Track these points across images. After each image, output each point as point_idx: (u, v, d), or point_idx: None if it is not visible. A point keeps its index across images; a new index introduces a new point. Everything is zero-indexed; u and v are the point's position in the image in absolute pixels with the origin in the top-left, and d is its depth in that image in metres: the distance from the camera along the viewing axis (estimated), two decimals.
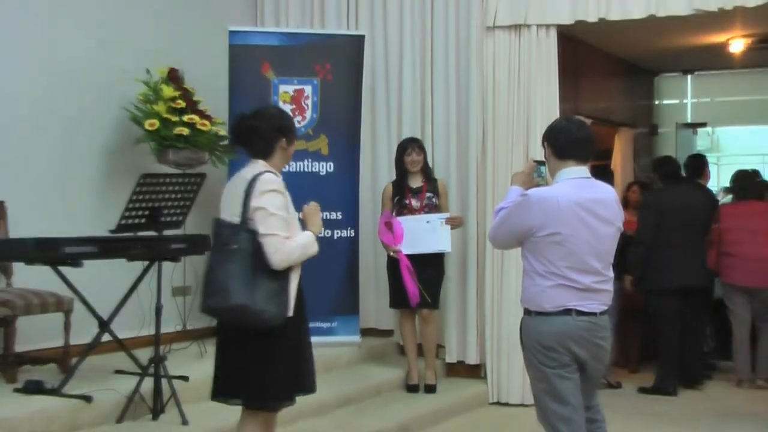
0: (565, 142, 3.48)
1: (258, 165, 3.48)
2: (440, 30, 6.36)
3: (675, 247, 6.39)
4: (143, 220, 4.56)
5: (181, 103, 5.69)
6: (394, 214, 5.76)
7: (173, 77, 5.82)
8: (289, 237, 3.38)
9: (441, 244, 5.70)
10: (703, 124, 10.91)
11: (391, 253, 5.71)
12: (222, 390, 3.51)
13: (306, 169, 6.16)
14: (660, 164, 7.00)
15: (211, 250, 3.34)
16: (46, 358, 5.02)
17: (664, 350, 6.53)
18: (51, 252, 4.38)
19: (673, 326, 6.46)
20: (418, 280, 5.62)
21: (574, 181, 3.45)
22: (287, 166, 3.76)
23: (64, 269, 4.57)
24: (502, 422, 5.62)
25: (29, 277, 4.92)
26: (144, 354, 4.81)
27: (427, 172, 5.85)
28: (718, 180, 10.37)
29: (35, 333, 5.06)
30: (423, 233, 5.68)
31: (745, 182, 6.91)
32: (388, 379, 5.88)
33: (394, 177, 5.95)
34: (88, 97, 5.72)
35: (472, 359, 6.15)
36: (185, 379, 4.83)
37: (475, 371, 6.18)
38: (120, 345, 4.88)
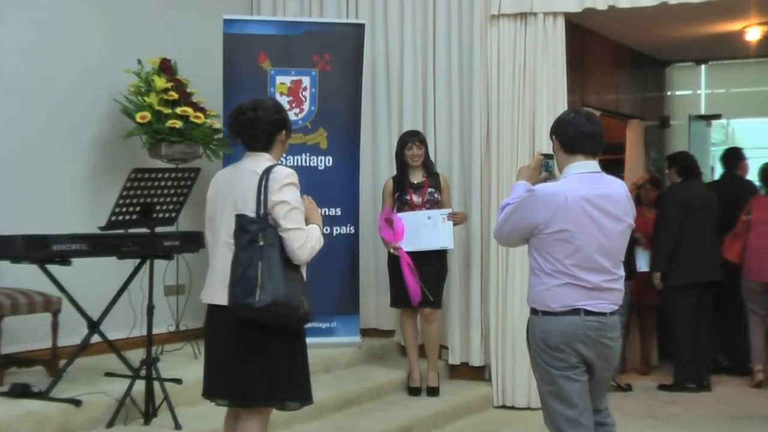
0: (573, 135, 3.48)
1: (263, 158, 3.51)
2: (443, 19, 6.35)
3: (697, 241, 6.55)
4: (135, 217, 4.55)
5: (174, 95, 5.68)
6: (394, 210, 5.76)
7: (165, 68, 5.81)
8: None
9: (443, 241, 5.70)
10: (718, 116, 10.87)
11: (392, 251, 5.71)
12: (229, 390, 3.50)
13: (304, 164, 6.16)
14: (678, 159, 7.10)
15: (239, 247, 3.35)
16: (33, 360, 5.01)
17: (682, 345, 6.62)
18: (39, 250, 4.38)
19: (691, 322, 6.59)
20: (420, 278, 5.62)
21: (583, 175, 3.45)
22: (281, 160, 3.78)
23: (52, 268, 4.57)
24: (508, 426, 5.61)
25: (16, 275, 4.91)
26: (135, 356, 4.81)
27: (428, 166, 5.84)
28: None
29: (22, 334, 5.06)
30: (424, 230, 5.67)
31: None
32: (389, 381, 5.87)
33: (394, 172, 5.95)
34: (78, 88, 5.71)
35: (476, 360, 6.15)
36: (178, 381, 4.83)
37: (480, 373, 6.18)
38: (110, 346, 4.88)
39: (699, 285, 6.59)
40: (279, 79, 6.18)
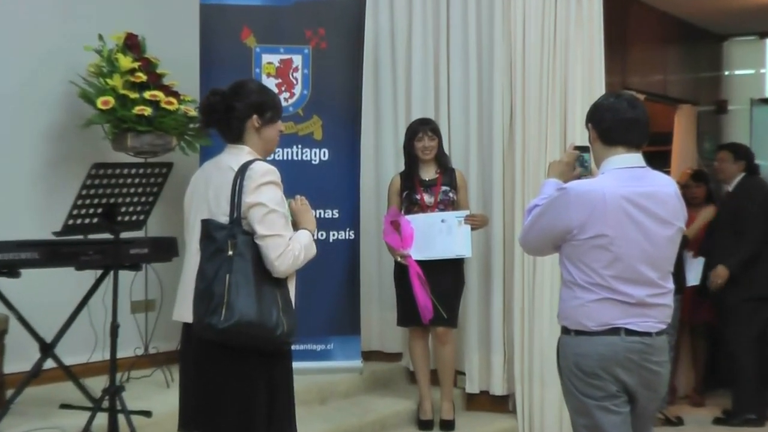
0: (613, 124, 3.48)
1: (243, 152, 3.51)
2: None
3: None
4: (96, 220, 4.56)
5: (142, 77, 5.69)
6: (402, 211, 5.76)
7: (132, 45, 5.82)
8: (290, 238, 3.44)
9: (459, 248, 5.70)
10: None
11: (399, 259, 5.71)
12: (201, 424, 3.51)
13: (295, 157, 6.17)
14: (744, 151, 7.18)
15: (204, 257, 3.36)
16: None
17: (744, 370, 6.65)
18: None
19: (756, 343, 6.66)
20: (432, 291, 5.60)
21: (624, 171, 3.45)
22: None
23: None
24: None
25: None
26: (96, 384, 4.81)
27: (442, 161, 5.84)
28: None
29: None
30: (437, 235, 5.66)
31: None
32: (396, 413, 5.88)
33: (402, 167, 5.95)
34: (29, 69, 5.73)
35: (498, 389, 6.16)
36: (147, 414, 4.83)
37: (502, 403, 6.18)
38: (67, 373, 4.87)
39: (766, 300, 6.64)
40: (266, 58, 6.19)
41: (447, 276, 5.74)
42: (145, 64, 5.78)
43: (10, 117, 5.66)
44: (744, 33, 10.23)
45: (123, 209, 4.64)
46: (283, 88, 6.14)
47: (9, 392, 4.77)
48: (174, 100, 5.77)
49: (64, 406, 4.94)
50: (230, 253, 3.30)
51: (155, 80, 5.78)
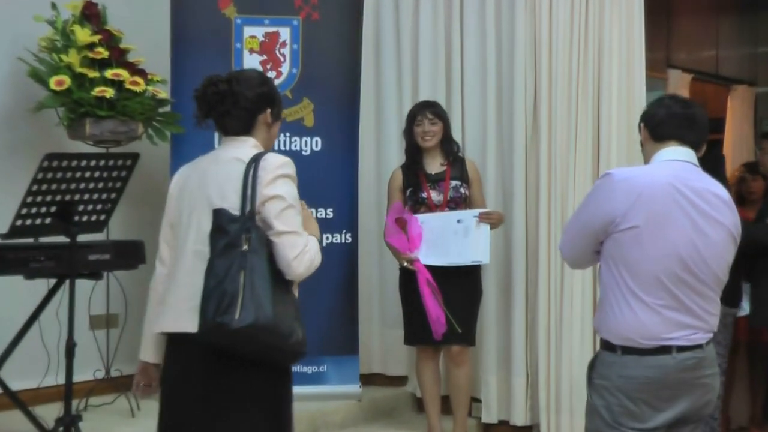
0: (666, 118, 3.61)
1: (247, 144, 3.58)
2: None
3: None
4: (48, 220, 4.57)
5: (103, 52, 5.69)
6: (407, 208, 5.74)
7: (91, 14, 5.83)
8: None
9: (477, 254, 5.68)
10: None
11: (405, 264, 5.71)
12: None
13: (282, 147, 6.16)
14: None
15: (214, 252, 3.39)
16: None
17: None
18: None
19: None
20: (445, 304, 5.56)
21: (674, 163, 3.54)
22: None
23: None
24: None
25: None
26: (49, 412, 4.82)
27: (447, 149, 5.83)
28: None
29: None
30: (452, 237, 5.63)
31: None
32: None
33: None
34: None
35: (519, 418, 6.16)
36: None
37: None
38: (13, 400, 4.88)
39: None
40: (248, 30, 6.20)
41: (462, 285, 5.73)
42: (107, 38, 5.78)
43: None
44: None
45: (80, 208, 4.64)
46: (268, 67, 6.15)
47: None
48: (140, 80, 5.77)
49: None
50: (245, 248, 3.35)
51: (118, 56, 5.79)
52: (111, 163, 4.74)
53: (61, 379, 4.66)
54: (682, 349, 3.44)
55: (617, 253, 3.47)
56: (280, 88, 6.03)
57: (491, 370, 6.22)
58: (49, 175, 4.48)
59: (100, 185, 4.70)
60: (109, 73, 5.68)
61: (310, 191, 5.45)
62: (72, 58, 5.62)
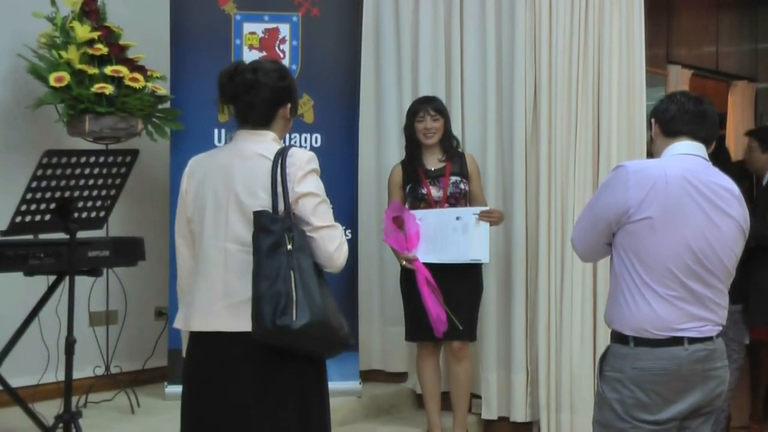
0: (677, 113, 3.65)
1: (267, 138, 3.59)
2: None
3: None
4: (48, 217, 4.56)
5: (102, 49, 5.69)
6: (406, 206, 5.74)
7: (90, 11, 5.82)
8: None
9: (476, 251, 5.66)
10: None
11: (404, 263, 5.71)
12: None
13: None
14: None
15: (260, 253, 3.42)
16: None
17: None
18: None
19: None
20: (445, 300, 5.55)
21: (686, 157, 3.59)
22: None
23: None
24: None
25: None
26: (49, 409, 4.81)
27: (447, 145, 5.82)
28: None
29: None
30: (451, 234, 5.61)
31: None
32: None
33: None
34: None
35: (519, 415, 6.16)
36: None
37: None
38: (13, 397, 4.88)
39: None
40: (247, 27, 6.19)
41: (463, 280, 5.72)
42: (106, 34, 5.78)
43: None
44: None
45: (80, 204, 4.63)
46: None
47: None
48: (140, 77, 5.77)
49: None
50: (289, 247, 3.40)
51: (118, 53, 5.79)
52: (110, 159, 4.72)
53: (61, 376, 4.65)
54: (693, 340, 3.48)
55: (630, 244, 3.50)
56: None
57: (491, 367, 6.22)
58: (49, 172, 4.46)
59: (100, 182, 4.68)
60: (108, 70, 5.67)
61: None
62: (71, 54, 5.61)
